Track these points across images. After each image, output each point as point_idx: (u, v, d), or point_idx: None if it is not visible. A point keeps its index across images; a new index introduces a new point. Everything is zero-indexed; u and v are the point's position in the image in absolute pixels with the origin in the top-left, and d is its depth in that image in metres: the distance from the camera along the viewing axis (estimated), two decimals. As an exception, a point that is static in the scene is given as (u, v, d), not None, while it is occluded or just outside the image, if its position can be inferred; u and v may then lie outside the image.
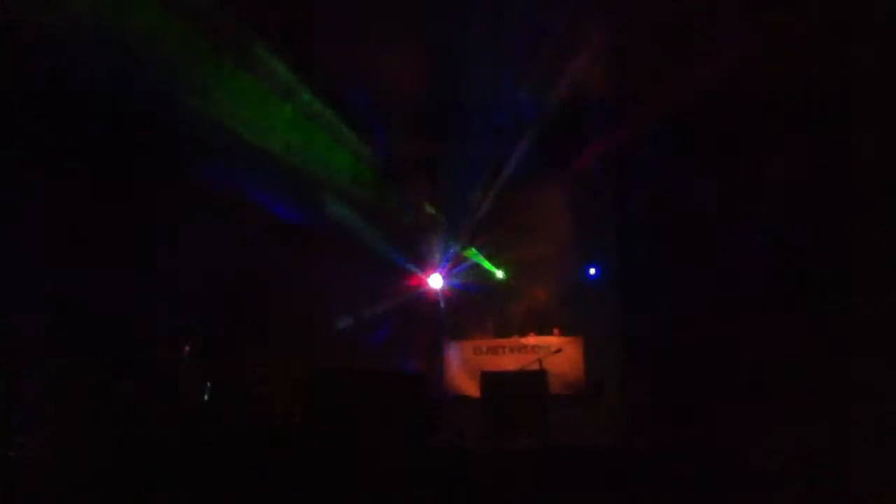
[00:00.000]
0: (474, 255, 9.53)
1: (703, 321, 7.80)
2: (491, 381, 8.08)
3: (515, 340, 9.03)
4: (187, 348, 7.70)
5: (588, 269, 9.46)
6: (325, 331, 8.78)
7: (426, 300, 9.40)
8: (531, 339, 8.99)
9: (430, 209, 9.44)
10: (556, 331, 9.09)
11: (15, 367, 6.33)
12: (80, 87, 6.71)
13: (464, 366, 8.97)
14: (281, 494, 6.08)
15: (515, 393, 7.89)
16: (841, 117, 6.58)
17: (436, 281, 9.51)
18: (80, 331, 7.01)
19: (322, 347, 8.46)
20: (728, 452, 6.56)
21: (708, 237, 7.86)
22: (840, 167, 6.64)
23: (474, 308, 9.39)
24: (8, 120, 6.30)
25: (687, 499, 6.02)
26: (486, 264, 9.55)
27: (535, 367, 8.20)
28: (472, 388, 8.60)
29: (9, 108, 6.28)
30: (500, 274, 9.54)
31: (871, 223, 6.24)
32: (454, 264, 9.53)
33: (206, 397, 7.52)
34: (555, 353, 8.53)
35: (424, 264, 9.50)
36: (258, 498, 6.01)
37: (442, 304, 9.44)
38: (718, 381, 7.59)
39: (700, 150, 7.66)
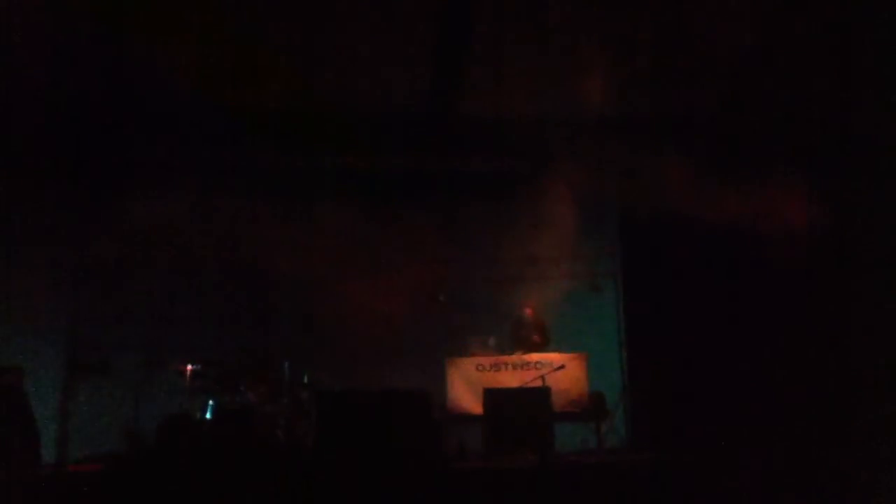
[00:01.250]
0: None
1: (706, 332, 7.74)
2: (494, 398, 8.05)
3: (518, 357, 8.96)
4: (188, 367, 7.70)
5: (590, 281, 9.43)
6: (326, 345, 8.77)
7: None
8: (534, 356, 8.92)
9: None
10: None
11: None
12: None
13: (466, 383, 8.90)
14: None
15: (518, 410, 7.85)
16: (840, 117, 6.59)
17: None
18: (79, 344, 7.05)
19: (323, 364, 8.43)
20: (731, 463, 6.48)
21: (710, 246, 7.83)
22: (840, 168, 6.64)
23: (476, 324, 9.33)
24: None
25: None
26: None
27: (538, 384, 8.16)
28: (474, 406, 8.56)
29: None
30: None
31: (872, 223, 6.22)
32: None
33: (207, 416, 7.50)
34: (557, 369, 8.49)
35: None
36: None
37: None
38: (723, 395, 7.50)
39: (702, 154, 7.66)
